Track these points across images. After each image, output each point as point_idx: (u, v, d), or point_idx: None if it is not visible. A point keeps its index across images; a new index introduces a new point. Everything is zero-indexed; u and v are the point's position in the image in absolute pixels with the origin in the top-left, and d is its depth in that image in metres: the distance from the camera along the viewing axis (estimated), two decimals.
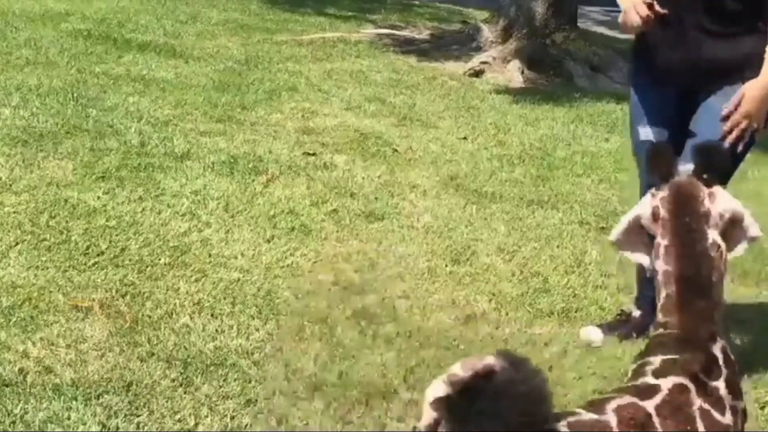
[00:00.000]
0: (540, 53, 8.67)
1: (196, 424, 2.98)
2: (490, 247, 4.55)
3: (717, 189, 2.24)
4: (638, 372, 2.12)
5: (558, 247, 4.64)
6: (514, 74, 8.31)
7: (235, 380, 3.23)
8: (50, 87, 6.19)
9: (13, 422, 2.88)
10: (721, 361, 2.13)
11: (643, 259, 2.30)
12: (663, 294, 2.21)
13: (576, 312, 3.99)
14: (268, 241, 4.33)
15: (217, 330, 3.54)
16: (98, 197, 4.55)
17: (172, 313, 3.61)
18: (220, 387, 3.19)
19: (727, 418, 2.08)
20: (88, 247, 4.04)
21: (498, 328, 3.80)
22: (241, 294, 3.82)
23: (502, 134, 6.49)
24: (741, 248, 2.28)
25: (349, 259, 4.27)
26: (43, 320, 3.46)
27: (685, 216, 2.21)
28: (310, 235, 4.46)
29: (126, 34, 8.08)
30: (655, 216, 2.25)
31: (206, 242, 4.24)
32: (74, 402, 3.00)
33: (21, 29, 7.77)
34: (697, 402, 2.03)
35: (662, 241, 2.22)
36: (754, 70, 3.24)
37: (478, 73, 8.36)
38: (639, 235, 2.29)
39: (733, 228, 2.24)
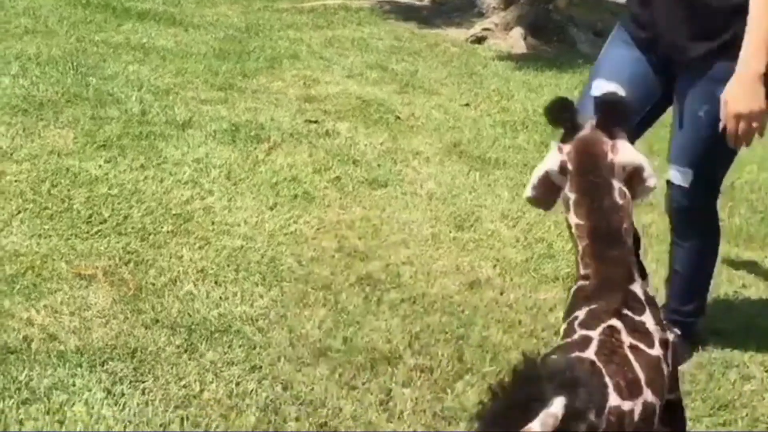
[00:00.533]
0: (543, 19, 8.60)
1: (202, 390, 2.98)
2: (494, 213, 4.53)
3: (619, 141, 2.28)
4: (569, 329, 2.19)
5: (562, 212, 4.61)
6: (516, 40, 8.25)
7: (239, 346, 3.23)
8: (50, 56, 6.15)
9: (19, 389, 2.88)
10: (642, 298, 2.22)
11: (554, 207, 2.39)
12: (580, 246, 2.28)
13: None
14: (271, 209, 4.31)
15: (221, 297, 3.53)
16: (100, 166, 4.53)
17: (175, 281, 3.60)
18: (225, 353, 3.19)
19: (656, 351, 2.16)
20: (90, 216, 4.03)
21: (503, 293, 3.79)
22: (245, 261, 3.81)
23: (505, 101, 6.46)
24: (641, 198, 2.35)
25: (353, 226, 4.25)
26: (47, 288, 3.45)
27: (591, 172, 2.26)
28: (313, 203, 4.45)
29: (125, 2, 8.02)
30: (563, 170, 2.30)
31: (209, 210, 4.22)
32: (79, 368, 3.00)
33: None
34: (627, 340, 2.11)
35: (572, 196, 2.29)
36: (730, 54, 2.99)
37: (480, 40, 8.30)
38: (550, 189, 2.34)
39: (634, 179, 2.29)
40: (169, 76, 6.07)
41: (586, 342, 2.08)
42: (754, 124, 2.93)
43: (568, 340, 2.14)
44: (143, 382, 2.99)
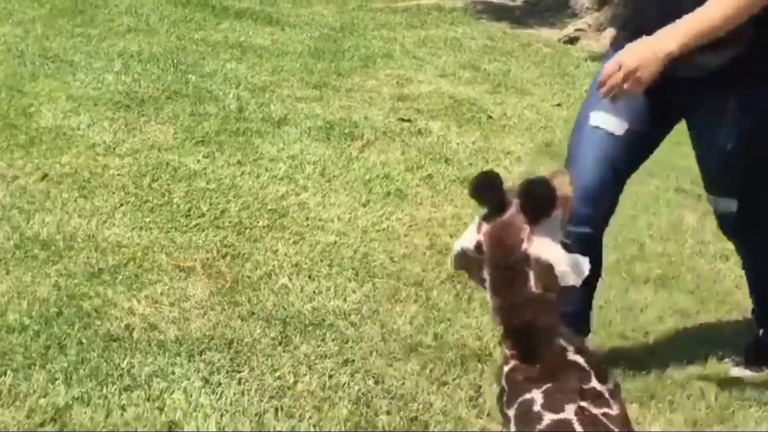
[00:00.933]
0: None
1: (296, 382, 3.05)
2: None
3: (535, 233, 2.07)
4: (526, 414, 2.04)
5: (654, 213, 4.60)
6: (609, 41, 8.20)
7: (332, 340, 3.29)
8: (151, 53, 6.32)
9: (121, 375, 2.98)
10: (583, 363, 2.09)
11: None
12: (500, 327, 2.15)
13: (672, 279, 3.96)
14: (364, 205, 4.38)
15: (314, 291, 3.60)
16: (198, 161, 4.65)
17: (271, 274, 3.69)
18: (318, 346, 3.25)
19: (615, 409, 2.05)
20: (189, 209, 4.14)
21: None
22: (338, 256, 3.88)
23: None
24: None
25: (444, 224, 4.29)
26: (148, 279, 3.56)
27: (504, 263, 2.09)
28: (406, 200, 4.50)
29: (224, 2, 8.18)
30: (479, 250, 2.13)
31: (303, 206, 4.31)
32: (178, 358, 3.09)
33: None
34: (597, 411, 2.00)
35: (487, 279, 2.13)
36: (745, 78, 2.81)
37: (573, 40, 8.28)
38: (471, 263, 2.17)
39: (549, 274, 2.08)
40: (266, 74, 6.19)
41: (566, 425, 1.97)
42: (627, 82, 2.72)
43: (540, 427, 2.00)
44: (239, 373, 3.07)
